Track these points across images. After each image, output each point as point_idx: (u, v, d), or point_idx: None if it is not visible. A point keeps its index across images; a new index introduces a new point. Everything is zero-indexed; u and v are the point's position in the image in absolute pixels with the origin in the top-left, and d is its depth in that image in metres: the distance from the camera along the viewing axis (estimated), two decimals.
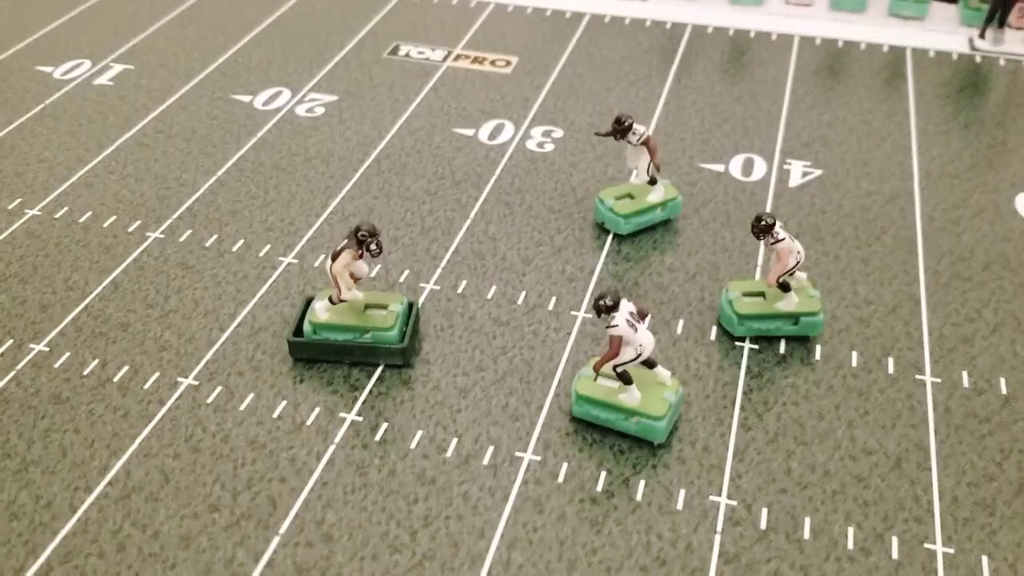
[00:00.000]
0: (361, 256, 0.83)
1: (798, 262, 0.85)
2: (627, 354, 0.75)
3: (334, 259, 0.83)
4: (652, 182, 1.01)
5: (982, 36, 1.37)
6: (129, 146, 1.19)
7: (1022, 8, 1.36)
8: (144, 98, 1.30)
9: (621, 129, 0.97)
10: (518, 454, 0.77)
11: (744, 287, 0.89)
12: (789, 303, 0.86)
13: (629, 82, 1.32)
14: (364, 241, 0.82)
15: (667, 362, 0.85)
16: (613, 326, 0.74)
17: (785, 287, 0.86)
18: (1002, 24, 1.35)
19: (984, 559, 0.69)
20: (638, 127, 0.98)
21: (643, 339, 0.75)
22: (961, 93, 1.28)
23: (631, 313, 0.75)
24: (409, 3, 1.57)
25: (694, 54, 1.39)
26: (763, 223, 0.83)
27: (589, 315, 0.91)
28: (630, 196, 1.02)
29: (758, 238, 0.84)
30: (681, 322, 0.90)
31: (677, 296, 0.94)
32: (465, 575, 0.68)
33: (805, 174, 1.12)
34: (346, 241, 0.83)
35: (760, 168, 1.13)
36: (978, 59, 1.36)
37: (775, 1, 1.51)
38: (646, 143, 0.99)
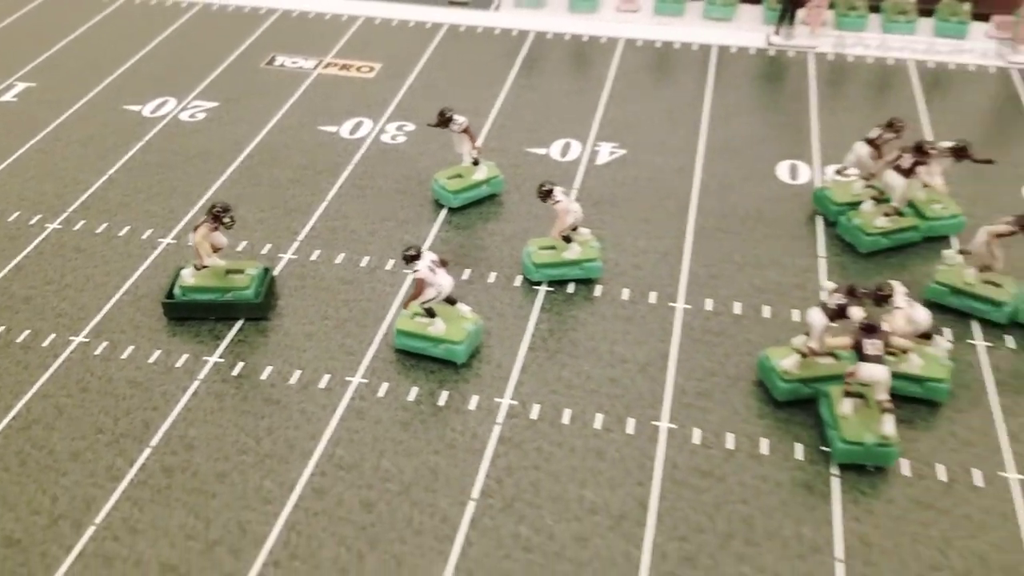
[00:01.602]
0: (217, 228, 1.01)
1: (576, 219, 1.06)
2: (429, 293, 0.95)
3: (195, 231, 1.01)
4: (475, 163, 1.21)
5: (777, 33, 1.60)
6: (31, 154, 1.35)
7: (812, 6, 1.60)
8: (45, 112, 1.46)
9: (443, 120, 1.18)
10: (348, 378, 0.96)
11: (541, 243, 1.09)
12: (573, 252, 1.07)
13: (476, 82, 1.52)
14: (219, 216, 1.00)
15: (478, 305, 1.05)
16: (416, 271, 0.93)
17: (568, 240, 1.06)
18: (792, 22, 1.59)
19: (696, 430, 0.90)
20: (458, 117, 1.18)
21: (442, 281, 0.95)
22: (754, 82, 1.51)
23: (432, 261, 0.95)
24: (286, 19, 1.75)
25: (534, 57, 1.60)
26: (543, 188, 1.04)
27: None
28: (460, 176, 1.23)
29: (543, 201, 1.05)
30: (494, 274, 1.10)
31: (493, 254, 1.14)
32: (296, 465, 0.87)
33: (612, 153, 1.33)
34: (205, 216, 1.01)
35: (575, 150, 1.34)
36: (772, 52, 1.59)
37: (607, 8, 1.73)
38: (466, 131, 1.19)
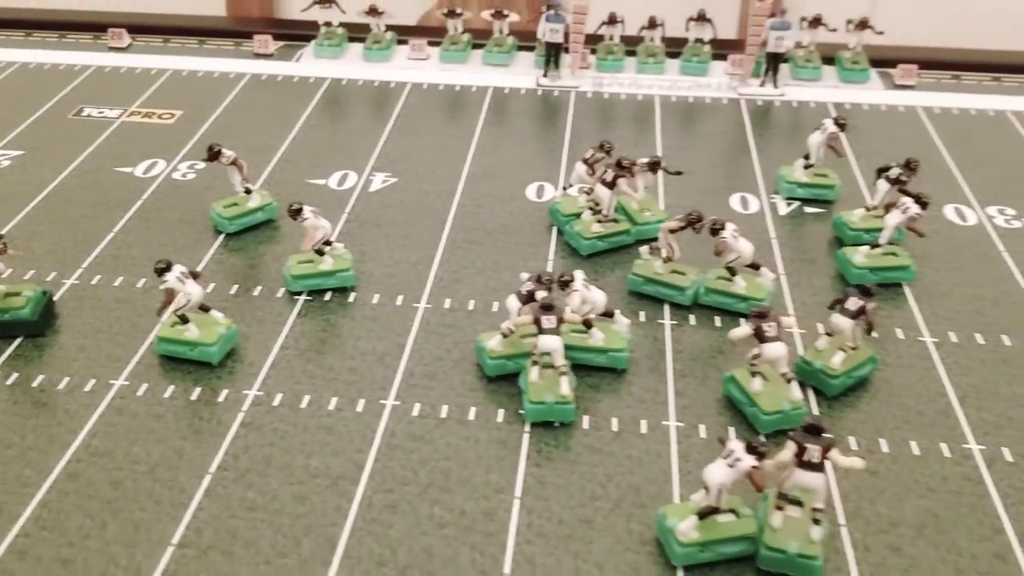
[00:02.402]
0: None
1: (325, 235, 1.20)
2: (180, 301, 1.07)
3: None
4: (247, 192, 1.35)
5: (545, 75, 1.80)
6: None
7: (574, 52, 1.80)
8: None
9: (213, 154, 1.31)
10: (112, 381, 1.07)
11: (300, 258, 1.23)
12: (326, 264, 1.21)
13: (269, 124, 1.66)
14: None
15: (241, 314, 1.18)
16: (164, 281, 1.06)
17: (320, 252, 1.21)
18: (557, 65, 1.79)
19: (417, 404, 1.04)
20: (226, 151, 1.32)
21: (191, 290, 1.08)
22: (520, 118, 1.71)
23: (182, 272, 1.08)
24: (99, 74, 1.87)
25: (327, 101, 1.76)
26: (293, 208, 1.19)
27: None
28: (235, 204, 1.36)
29: (294, 219, 1.19)
30: (259, 288, 1.23)
31: (261, 271, 1.27)
32: (55, 455, 0.97)
33: (384, 182, 1.49)
34: None
35: (352, 180, 1.49)
36: (540, 92, 1.80)
37: (400, 57, 1.91)
38: (234, 163, 1.33)
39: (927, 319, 1.19)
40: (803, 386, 1.06)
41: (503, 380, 1.08)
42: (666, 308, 1.20)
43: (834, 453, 0.83)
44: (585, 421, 1.03)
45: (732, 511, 0.87)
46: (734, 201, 1.45)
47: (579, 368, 1.09)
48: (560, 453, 0.99)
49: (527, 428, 1.02)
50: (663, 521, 0.87)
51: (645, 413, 1.04)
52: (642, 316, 1.18)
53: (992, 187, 1.50)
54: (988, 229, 1.39)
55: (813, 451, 0.83)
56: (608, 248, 1.31)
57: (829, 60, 1.86)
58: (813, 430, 0.84)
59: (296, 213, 1.19)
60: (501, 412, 1.04)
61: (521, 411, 1.03)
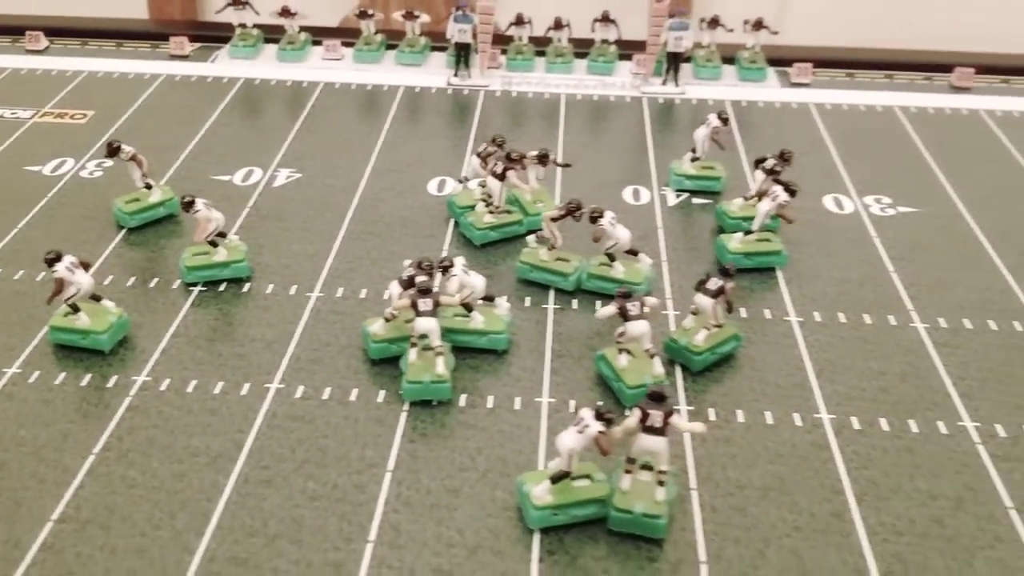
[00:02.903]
0: None
1: (218, 226, 1.24)
2: (69, 291, 1.10)
3: None
4: (148, 187, 1.38)
5: (456, 75, 1.85)
6: None
7: (483, 52, 1.86)
8: None
9: (112, 150, 1.34)
10: (4, 370, 1.10)
11: (195, 250, 1.27)
12: (220, 255, 1.25)
13: (179, 123, 1.70)
14: None
15: (135, 304, 1.21)
16: (55, 271, 1.09)
17: (214, 244, 1.24)
18: (467, 65, 1.84)
19: (300, 387, 1.08)
20: (126, 147, 1.35)
21: (81, 280, 1.11)
22: (427, 116, 1.76)
23: (72, 262, 1.11)
24: (14, 77, 1.88)
25: (239, 100, 1.79)
26: (185, 200, 1.22)
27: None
28: (137, 200, 1.39)
29: (186, 211, 1.23)
30: (156, 279, 1.27)
31: (160, 264, 1.30)
32: None
33: (288, 177, 1.53)
34: None
35: (256, 176, 1.53)
36: (450, 91, 1.85)
37: (315, 57, 1.95)
38: (133, 158, 1.36)
39: (795, 300, 1.26)
40: (672, 362, 1.13)
41: (386, 363, 1.12)
42: (551, 293, 1.26)
43: (675, 418, 0.89)
44: (462, 399, 1.08)
45: (587, 476, 0.93)
46: (626, 193, 1.51)
47: (461, 350, 1.14)
48: (435, 429, 1.04)
49: (405, 407, 1.07)
50: (521, 487, 0.92)
51: (520, 391, 1.09)
52: (528, 301, 1.24)
53: (872, 178, 1.58)
54: (863, 217, 1.47)
55: (656, 417, 0.88)
56: (501, 238, 1.36)
57: (730, 60, 1.94)
58: (657, 398, 0.89)
59: (188, 205, 1.22)
60: (382, 393, 1.09)
61: (401, 391, 1.08)
